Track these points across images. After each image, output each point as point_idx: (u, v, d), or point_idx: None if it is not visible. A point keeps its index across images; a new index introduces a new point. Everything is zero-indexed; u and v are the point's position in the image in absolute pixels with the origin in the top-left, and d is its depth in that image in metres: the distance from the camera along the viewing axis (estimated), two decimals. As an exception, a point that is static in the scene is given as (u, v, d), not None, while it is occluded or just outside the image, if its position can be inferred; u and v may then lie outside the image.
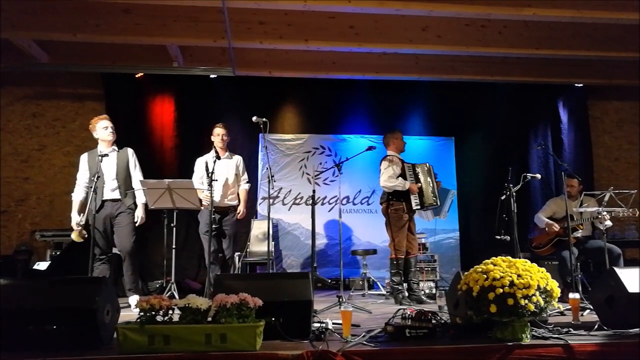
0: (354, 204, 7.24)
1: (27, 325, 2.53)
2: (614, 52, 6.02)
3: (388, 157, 5.18)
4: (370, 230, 6.95)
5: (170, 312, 2.58)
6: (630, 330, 2.79)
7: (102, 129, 4.70)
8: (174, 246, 4.90)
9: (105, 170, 4.66)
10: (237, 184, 5.28)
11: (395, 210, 4.99)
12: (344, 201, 7.16)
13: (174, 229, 4.92)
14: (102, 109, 6.84)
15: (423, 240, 5.80)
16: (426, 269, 5.72)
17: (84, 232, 4.47)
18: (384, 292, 5.63)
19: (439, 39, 5.78)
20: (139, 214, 4.72)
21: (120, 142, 5.22)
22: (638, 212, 4.64)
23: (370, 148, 5.08)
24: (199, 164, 5.22)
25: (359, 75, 6.64)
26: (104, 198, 4.62)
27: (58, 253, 6.02)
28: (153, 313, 2.51)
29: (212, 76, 6.59)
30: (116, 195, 4.66)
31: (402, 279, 4.96)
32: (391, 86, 7.05)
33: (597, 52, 6.01)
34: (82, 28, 5.36)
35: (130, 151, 4.86)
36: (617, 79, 6.93)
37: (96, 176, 4.41)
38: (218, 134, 5.13)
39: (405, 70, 6.58)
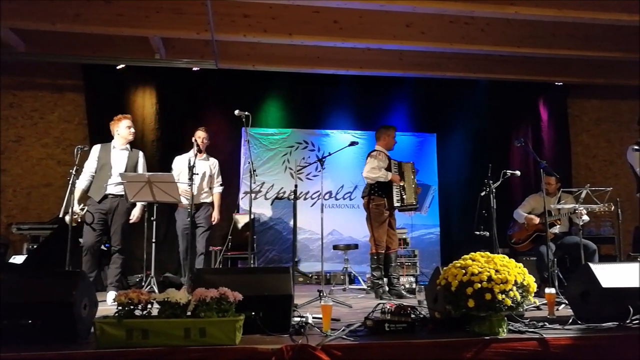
0: (337, 199, 7.26)
1: (1, 320, 2.48)
2: (594, 51, 6.12)
3: (374, 152, 5.21)
4: (352, 225, 6.98)
5: (149, 306, 2.56)
6: (604, 324, 2.85)
7: (126, 127, 4.87)
8: (153, 240, 4.86)
9: (114, 165, 4.78)
10: (211, 186, 5.41)
11: (377, 205, 5.01)
12: (327, 196, 7.18)
13: (154, 223, 4.88)
14: (82, 100, 6.75)
15: (404, 236, 5.84)
16: (406, 263, 5.76)
17: (78, 216, 4.47)
18: (364, 286, 5.66)
19: (423, 36, 5.81)
20: (136, 213, 4.84)
21: (100, 134, 5.18)
22: (613, 207, 4.73)
23: (353, 143, 5.09)
24: (177, 162, 5.33)
25: (343, 71, 6.64)
26: (107, 192, 4.70)
27: (35, 246, 5.92)
28: (131, 307, 2.49)
29: (194, 69, 6.52)
30: (118, 190, 4.74)
31: (383, 273, 5.00)
32: (375, 82, 7.07)
33: (577, 52, 6.11)
34: (61, 17, 5.26)
35: (141, 153, 5.01)
36: (596, 78, 7.06)
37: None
38: (199, 137, 5.24)
39: (389, 66, 6.61)
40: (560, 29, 5.90)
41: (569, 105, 7.93)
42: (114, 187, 4.72)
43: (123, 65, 6.40)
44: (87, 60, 6.28)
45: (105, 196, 4.70)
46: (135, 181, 4.57)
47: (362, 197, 5.23)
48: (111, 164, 4.76)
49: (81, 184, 4.68)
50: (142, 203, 4.84)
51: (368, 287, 5.46)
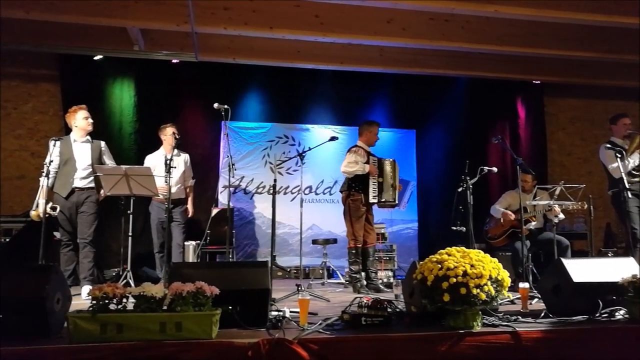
0: (317, 194, 7.28)
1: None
2: (570, 51, 6.23)
3: (353, 148, 5.22)
4: (331, 220, 7.00)
5: (125, 300, 2.52)
6: (574, 318, 2.92)
7: (83, 118, 4.78)
8: (130, 234, 4.81)
9: (78, 158, 4.71)
10: (184, 181, 5.48)
11: (354, 200, 5.04)
12: (307, 191, 7.18)
13: (131, 216, 4.83)
14: (57, 91, 6.61)
15: (382, 230, 5.89)
16: (384, 258, 5.82)
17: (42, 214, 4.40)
18: (343, 280, 5.69)
19: (404, 32, 5.83)
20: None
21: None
22: (586, 205, 4.84)
23: (333, 138, 5.10)
24: (150, 161, 5.36)
25: (324, 65, 6.63)
26: (74, 185, 4.66)
27: (7, 240, 5.79)
28: (106, 301, 2.46)
29: (174, 61, 6.44)
30: (85, 184, 4.70)
31: (361, 267, 5.03)
32: (355, 77, 7.08)
33: (554, 51, 6.20)
34: (35, 5, 5.12)
35: (103, 143, 4.94)
36: (572, 78, 7.20)
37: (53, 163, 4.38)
38: (171, 134, 5.22)
39: (370, 62, 6.62)
40: (538, 29, 5.98)
41: (545, 104, 8.07)
42: (79, 180, 4.68)
43: (100, 56, 6.29)
44: (63, 50, 6.16)
45: (72, 191, 4.66)
46: (112, 174, 4.51)
47: (341, 192, 5.25)
48: (75, 158, 4.69)
49: (45, 181, 4.54)
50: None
51: (346, 281, 5.49)
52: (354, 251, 5.01)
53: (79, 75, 6.52)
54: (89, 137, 4.85)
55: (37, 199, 4.45)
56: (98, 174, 4.55)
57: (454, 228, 4.70)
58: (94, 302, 2.44)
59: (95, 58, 6.31)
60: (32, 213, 4.46)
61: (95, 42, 6.00)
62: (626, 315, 2.95)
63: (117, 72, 6.70)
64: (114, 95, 6.72)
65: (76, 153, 4.72)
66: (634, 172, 5.00)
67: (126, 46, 5.95)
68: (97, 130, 5.04)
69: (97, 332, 2.35)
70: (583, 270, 3.11)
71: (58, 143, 4.60)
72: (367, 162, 5.11)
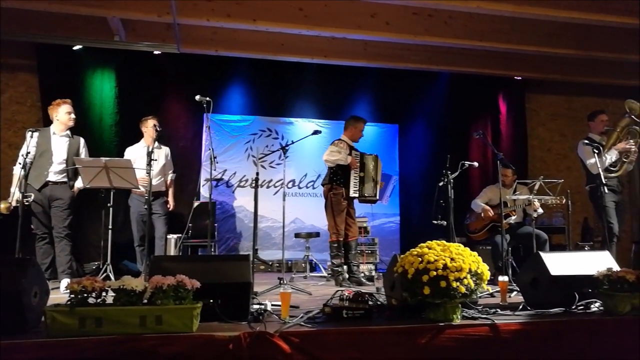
0: (300, 188, 7.28)
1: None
2: (551, 48, 6.31)
3: (336, 141, 5.23)
4: (314, 213, 7.00)
5: (104, 294, 2.50)
6: (551, 310, 2.98)
7: (66, 113, 4.75)
8: (110, 227, 4.76)
9: (55, 152, 4.67)
10: (164, 174, 5.48)
11: (335, 194, 5.06)
12: (290, 184, 7.18)
13: (111, 209, 4.77)
14: (36, 81, 6.47)
15: (364, 224, 5.92)
16: (367, 251, 5.86)
17: (12, 206, 4.32)
18: (325, 274, 5.71)
19: (388, 26, 5.84)
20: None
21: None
22: (564, 200, 4.92)
23: (316, 132, 5.10)
24: (130, 153, 5.33)
25: (308, 59, 6.60)
26: (48, 179, 4.61)
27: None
28: (85, 295, 2.43)
29: (156, 52, 6.35)
30: (59, 178, 4.65)
31: (343, 261, 5.06)
32: (339, 71, 7.06)
33: (535, 47, 6.27)
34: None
35: (82, 140, 4.89)
36: (552, 74, 7.29)
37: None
38: (152, 126, 5.18)
39: (354, 56, 6.62)
40: (519, 25, 6.04)
41: (526, 100, 8.16)
42: (54, 174, 4.63)
43: (80, 46, 6.17)
44: (42, 40, 6.01)
45: (46, 183, 4.61)
46: (92, 166, 4.45)
47: (322, 185, 5.26)
48: (52, 151, 4.65)
49: (19, 170, 4.47)
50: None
51: (328, 274, 5.51)
52: (335, 244, 5.04)
53: (58, 65, 6.39)
54: (69, 132, 4.80)
55: (11, 189, 4.37)
56: (77, 166, 4.48)
57: (435, 222, 4.74)
58: (72, 296, 2.41)
59: (75, 48, 6.20)
60: (1, 206, 4.40)
61: (74, 32, 5.88)
62: (601, 308, 3.02)
63: (97, 63, 6.58)
64: (94, 86, 6.60)
65: (54, 146, 4.67)
66: (610, 168, 5.10)
67: (107, 36, 5.84)
68: (76, 122, 4.96)
69: (75, 326, 2.32)
70: (560, 263, 3.17)
71: (36, 134, 4.53)
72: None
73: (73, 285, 2.42)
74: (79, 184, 4.76)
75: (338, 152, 5.04)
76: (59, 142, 4.71)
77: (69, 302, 2.39)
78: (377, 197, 5.31)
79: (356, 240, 5.26)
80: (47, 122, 5.11)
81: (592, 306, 3.04)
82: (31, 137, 4.40)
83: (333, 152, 5.06)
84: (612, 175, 5.09)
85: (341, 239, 5.04)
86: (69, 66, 6.42)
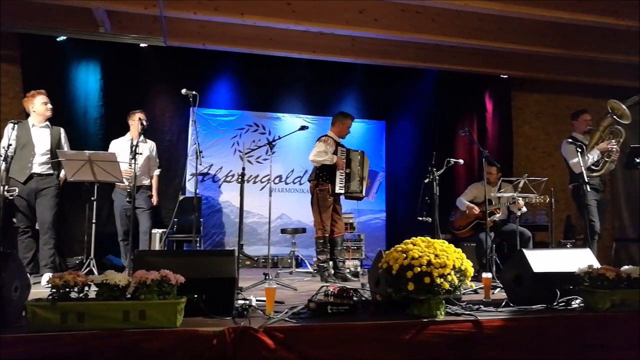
0: (286, 183, 7.26)
1: None
2: (536, 46, 6.37)
3: (323, 137, 5.22)
4: (301, 209, 7.00)
5: (86, 288, 2.47)
6: (533, 307, 3.02)
7: (42, 103, 4.69)
8: (94, 221, 4.71)
9: (36, 143, 4.62)
10: (148, 168, 5.42)
11: (321, 190, 5.06)
12: (276, 180, 7.16)
13: (95, 203, 4.72)
14: (18, 72, 6.36)
15: (350, 220, 5.94)
16: (352, 247, 5.87)
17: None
18: (311, 270, 5.72)
19: (376, 23, 5.84)
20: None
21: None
22: (548, 199, 4.98)
23: (303, 128, 5.08)
24: (115, 146, 5.26)
25: (296, 54, 6.59)
26: (32, 171, 4.56)
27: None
28: (67, 290, 2.40)
29: (142, 45, 6.28)
30: (44, 169, 4.60)
31: (328, 257, 5.07)
32: (327, 67, 7.05)
33: (521, 46, 6.33)
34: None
35: (62, 130, 4.84)
36: (538, 73, 7.36)
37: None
38: (142, 118, 5.12)
39: (342, 52, 6.62)
40: (506, 23, 6.09)
41: (512, 98, 8.23)
42: (38, 166, 4.58)
43: (64, 37, 6.08)
44: (24, 30, 5.89)
45: (31, 176, 4.56)
46: (75, 159, 4.40)
47: (309, 181, 5.26)
48: (33, 143, 4.60)
49: (2, 165, 4.39)
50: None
51: (314, 270, 5.52)
52: (321, 240, 5.04)
53: (41, 56, 6.29)
54: (48, 123, 4.75)
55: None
56: (60, 159, 4.42)
57: (420, 219, 4.77)
58: (54, 290, 2.38)
59: (59, 39, 6.10)
60: None
61: (58, 23, 5.79)
62: (581, 304, 3.06)
63: (82, 54, 6.49)
64: (79, 78, 6.51)
65: (35, 138, 4.61)
66: (593, 167, 5.17)
67: (91, 28, 5.77)
68: (60, 115, 4.92)
69: (57, 321, 2.30)
70: (543, 261, 3.20)
71: (13, 126, 4.45)
72: (335, 153, 5.12)
73: (55, 280, 2.39)
74: (64, 173, 4.72)
75: (325, 152, 5.03)
76: (40, 134, 4.65)
77: (50, 297, 2.36)
78: (363, 194, 5.33)
79: (342, 237, 5.27)
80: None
81: (573, 303, 3.08)
82: (12, 129, 4.32)
83: (320, 152, 5.04)
84: (594, 174, 5.16)
85: (327, 235, 5.05)
86: (52, 57, 6.32)
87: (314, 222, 5.16)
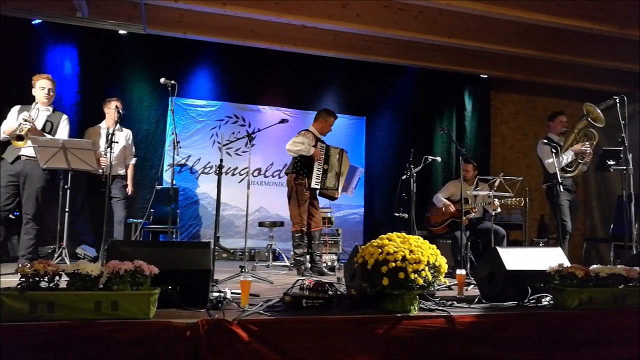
0: (265, 177, 7.24)
1: None
2: (516, 48, 6.45)
3: (303, 131, 5.20)
4: (280, 203, 6.94)
5: (57, 278, 2.42)
6: (505, 304, 3.07)
7: (40, 88, 4.65)
8: (67, 209, 4.62)
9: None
10: (124, 157, 5.34)
11: (298, 184, 5.05)
12: (255, 173, 7.14)
13: (68, 191, 4.63)
14: (-9, 55, 6.17)
15: (328, 215, 5.95)
16: (330, 242, 5.89)
17: None
18: (288, 263, 5.72)
19: (358, 18, 5.84)
20: None
21: (12, 95, 4.83)
22: (523, 202, 5.07)
23: (283, 121, 5.06)
24: (89, 134, 5.19)
25: (277, 46, 6.54)
26: (20, 153, 4.46)
27: None
28: (37, 279, 2.35)
29: (121, 32, 6.16)
30: (33, 152, 4.48)
31: (305, 250, 5.07)
32: (309, 61, 7.03)
33: (500, 47, 6.41)
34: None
35: (64, 117, 4.80)
36: (516, 74, 7.46)
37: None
38: (114, 107, 5.05)
39: (324, 46, 6.60)
40: (486, 24, 6.15)
41: (491, 98, 8.34)
42: (26, 148, 4.47)
43: (39, 20, 5.92)
44: (-3, 12, 5.73)
45: (18, 157, 4.46)
46: (48, 146, 4.30)
47: (286, 174, 5.24)
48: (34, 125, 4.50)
49: None
50: None
51: (291, 264, 5.52)
52: (298, 234, 5.03)
53: (15, 39, 6.11)
54: (50, 107, 4.74)
55: None
56: (32, 145, 4.32)
57: (397, 214, 4.81)
58: (23, 279, 2.33)
59: (34, 22, 5.95)
60: None
61: (34, 5, 5.63)
62: (551, 302, 3.13)
63: (58, 39, 6.33)
64: (54, 63, 6.34)
65: (35, 120, 4.57)
66: (566, 168, 5.28)
67: (68, 12, 5.62)
68: (33, 100, 4.77)
69: (25, 310, 2.25)
70: (516, 259, 3.26)
71: (18, 108, 4.53)
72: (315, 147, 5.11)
73: (24, 269, 2.34)
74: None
75: (302, 142, 5.01)
76: (39, 117, 4.62)
77: (19, 286, 2.31)
78: (338, 194, 5.31)
79: (320, 231, 5.27)
80: (2, 99, 4.92)
81: (543, 300, 3.14)
82: (19, 112, 4.36)
83: (296, 142, 5.02)
84: (568, 175, 5.27)
85: (304, 229, 5.04)
86: (27, 41, 6.15)
87: (290, 215, 5.15)
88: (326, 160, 5.16)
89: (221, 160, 4.34)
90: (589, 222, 8.35)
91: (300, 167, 5.05)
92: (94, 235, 5.56)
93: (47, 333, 2.20)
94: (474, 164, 5.64)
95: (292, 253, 5.54)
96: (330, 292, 2.89)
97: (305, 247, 5.08)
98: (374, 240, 2.85)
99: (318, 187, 5.11)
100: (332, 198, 5.40)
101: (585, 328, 2.91)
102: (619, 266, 3.25)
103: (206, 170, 6.95)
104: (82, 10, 5.60)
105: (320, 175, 5.10)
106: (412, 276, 2.65)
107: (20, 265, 2.39)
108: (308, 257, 5.09)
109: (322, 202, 5.55)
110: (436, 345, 2.65)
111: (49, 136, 4.58)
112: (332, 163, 5.20)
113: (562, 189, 4.66)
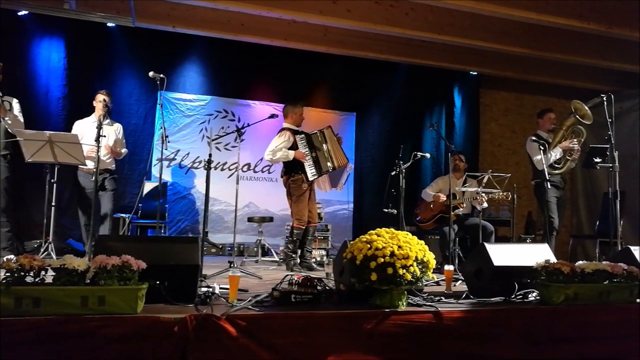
0: (255, 172, 7.22)
1: None
2: (505, 45, 6.47)
3: (280, 132, 5.16)
4: (269, 198, 7.00)
5: (43, 273, 2.40)
6: (492, 299, 3.10)
7: None
8: (53, 204, 4.57)
9: None
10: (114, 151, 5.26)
11: (294, 181, 5.03)
12: (245, 168, 7.11)
13: (55, 185, 4.58)
14: (-24, 46, 6.08)
15: (318, 210, 5.95)
16: (319, 237, 5.90)
17: None
18: (277, 258, 5.72)
19: (348, 14, 5.82)
20: None
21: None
22: (510, 197, 5.11)
23: (272, 116, 5.04)
24: (78, 127, 5.09)
25: (267, 41, 6.50)
26: None
27: None
28: (22, 274, 2.32)
29: (109, 24, 6.09)
30: None
31: (297, 247, 5.06)
32: (300, 56, 6.99)
33: (490, 44, 6.42)
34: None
35: (15, 101, 4.67)
36: (506, 71, 7.50)
37: None
38: (101, 100, 4.95)
39: (314, 41, 6.58)
40: (477, 21, 6.17)
41: (481, 95, 8.38)
42: None
43: (26, 12, 5.84)
44: (-17, 3, 5.65)
45: None
46: (34, 140, 4.25)
47: (282, 176, 5.22)
48: None
49: None
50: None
51: (280, 259, 5.52)
52: (297, 231, 5.00)
53: (0, 30, 6.02)
54: None
55: None
56: (18, 139, 4.27)
57: (386, 210, 4.82)
58: (8, 274, 2.30)
59: (20, 13, 5.86)
60: None
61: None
62: (537, 297, 3.16)
63: (45, 31, 6.24)
64: (41, 55, 6.26)
65: None
66: (555, 164, 5.33)
67: (56, 4, 5.56)
68: (20, 92, 4.73)
69: (10, 305, 2.22)
70: (503, 255, 3.28)
71: None
72: (294, 144, 5.05)
73: (9, 263, 2.31)
74: None
75: (279, 149, 4.96)
76: None
77: (4, 281, 2.29)
78: (336, 165, 5.19)
79: (315, 227, 5.26)
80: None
81: (529, 296, 3.18)
82: None
83: (273, 151, 4.97)
84: (556, 172, 5.32)
85: (303, 228, 5.01)
86: (12, 32, 6.05)
87: (292, 212, 5.08)
88: (312, 148, 5.11)
89: (210, 155, 4.32)
90: (576, 218, 8.44)
91: (292, 167, 5.03)
92: (80, 230, 5.50)
93: (33, 328, 2.18)
94: (462, 155, 5.69)
95: (282, 248, 5.54)
96: (319, 288, 2.90)
97: (298, 244, 5.06)
98: (362, 236, 2.86)
99: (316, 176, 5.08)
100: (341, 165, 5.26)
101: (570, 323, 2.94)
102: (604, 262, 3.30)
103: (195, 165, 6.91)
104: (69, 1, 5.54)
105: (314, 165, 5.07)
106: (401, 272, 2.66)
107: (5, 259, 2.36)
108: (298, 251, 5.09)
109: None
110: (424, 340, 2.67)
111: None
112: (318, 147, 5.14)
113: (550, 186, 4.70)
